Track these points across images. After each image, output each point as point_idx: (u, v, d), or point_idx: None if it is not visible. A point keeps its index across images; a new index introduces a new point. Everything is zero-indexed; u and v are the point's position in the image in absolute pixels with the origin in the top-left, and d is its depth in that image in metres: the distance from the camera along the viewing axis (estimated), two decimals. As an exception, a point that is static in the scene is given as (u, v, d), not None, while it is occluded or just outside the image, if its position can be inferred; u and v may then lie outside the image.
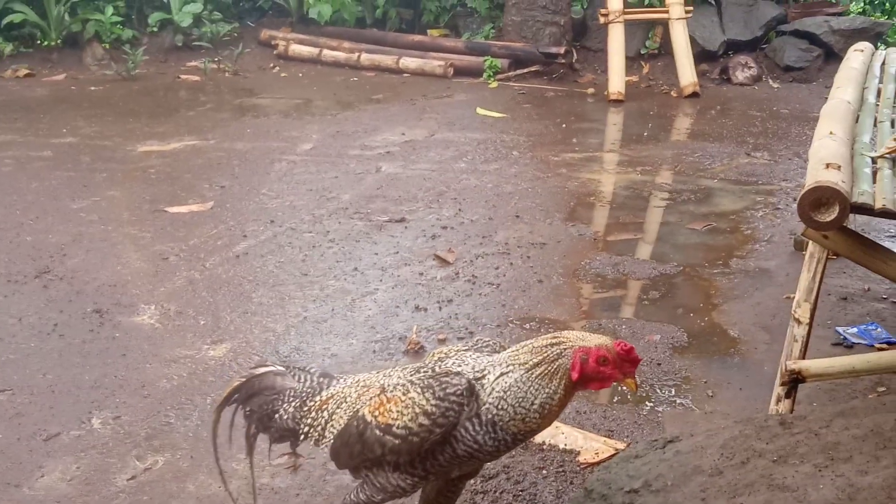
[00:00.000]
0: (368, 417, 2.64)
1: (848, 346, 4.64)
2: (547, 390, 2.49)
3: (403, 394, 2.59)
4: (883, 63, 5.28)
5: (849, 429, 2.78)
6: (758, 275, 5.56)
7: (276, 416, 2.89)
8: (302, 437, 2.86)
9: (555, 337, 2.58)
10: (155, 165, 7.74)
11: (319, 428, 2.80)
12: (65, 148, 8.25)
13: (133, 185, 7.19)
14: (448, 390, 2.53)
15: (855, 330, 4.80)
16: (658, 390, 4.28)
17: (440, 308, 5.09)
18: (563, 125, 9.17)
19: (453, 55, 11.42)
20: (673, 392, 4.27)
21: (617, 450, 3.67)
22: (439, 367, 2.64)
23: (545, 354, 2.52)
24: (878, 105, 4.42)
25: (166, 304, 5.14)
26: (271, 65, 12.14)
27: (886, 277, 3.42)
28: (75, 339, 4.72)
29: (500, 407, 2.51)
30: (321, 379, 2.93)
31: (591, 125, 9.34)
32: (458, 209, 6.61)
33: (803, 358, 3.42)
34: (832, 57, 10.91)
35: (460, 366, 2.63)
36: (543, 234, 6.16)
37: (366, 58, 11.72)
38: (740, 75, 10.92)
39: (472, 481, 3.67)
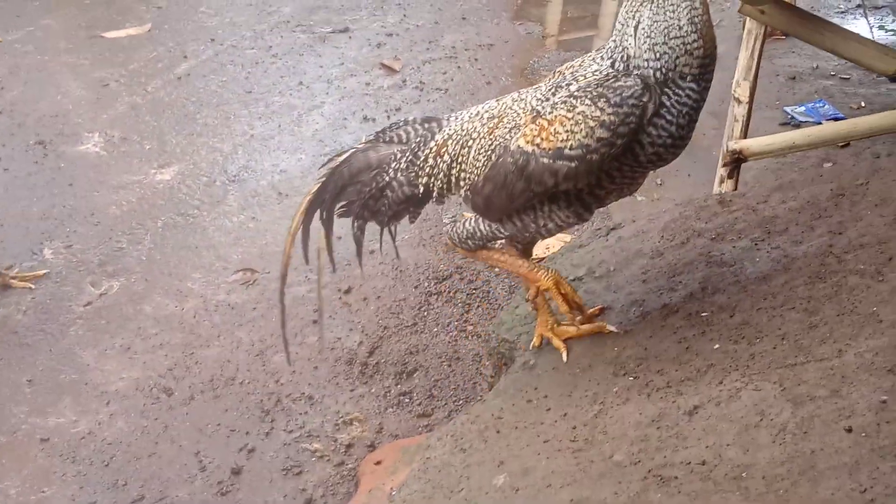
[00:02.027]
0: (529, 147, 2.23)
1: (796, 125, 4.64)
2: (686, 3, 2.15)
3: (569, 110, 2.19)
4: None
5: (785, 202, 2.81)
6: (707, 61, 5.50)
7: (387, 189, 2.51)
8: (423, 194, 2.49)
9: None
10: (88, -10, 7.45)
11: (443, 176, 2.43)
12: (-8, -22, 7.91)
13: (68, 11, 6.92)
14: (625, 94, 2.15)
15: (803, 108, 4.80)
16: (608, 182, 4.30)
17: (388, 117, 5.03)
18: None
19: None
20: (623, 183, 4.29)
21: (566, 243, 3.71)
22: (583, 76, 2.25)
23: None
24: None
25: (110, 130, 5.04)
26: None
27: (824, 49, 3.38)
28: (20, 171, 4.65)
29: (658, 54, 2.17)
30: (427, 125, 2.52)
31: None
32: (404, 15, 6.44)
33: (745, 138, 3.42)
34: None
35: (599, 63, 2.26)
36: (491, 35, 6.04)
37: None
38: None
39: (425, 282, 3.73)
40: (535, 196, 2.28)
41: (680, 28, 2.16)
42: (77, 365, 3.44)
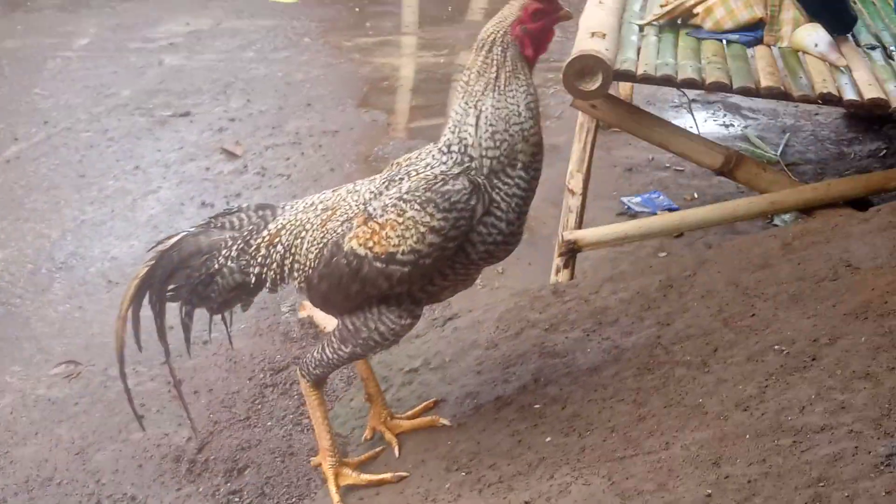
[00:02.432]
0: (361, 251, 2.25)
1: (632, 215, 4.75)
2: (521, 87, 2.23)
3: (398, 215, 2.22)
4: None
5: (617, 293, 2.85)
6: (548, 151, 5.54)
7: (217, 276, 2.48)
8: (255, 283, 2.46)
9: (482, 41, 2.26)
10: (-87, 68, 7.13)
11: (276, 266, 2.42)
12: None
13: None
14: (452, 198, 2.18)
15: (639, 199, 4.91)
16: (449, 270, 4.29)
17: (228, 202, 4.91)
18: (357, 9, 8.93)
19: (241, -60, 10.91)
20: (463, 271, 4.29)
21: (404, 332, 3.66)
22: (416, 171, 2.29)
23: (491, 60, 2.23)
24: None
25: (-72, 214, 4.77)
26: (45, -45, 11.31)
27: (655, 144, 3.49)
28: None
29: (498, 142, 2.22)
30: (261, 213, 2.51)
31: (386, 8, 9.11)
32: (247, 100, 6.37)
33: (579, 228, 3.47)
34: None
35: (434, 157, 2.30)
36: (336, 122, 6.02)
37: (148, -55, 11.05)
38: (533, -46, 10.90)
39: (260, 374, 3.62)
40: (370, 297, 2.31)
41: (519, 115, 2.22)
42: None
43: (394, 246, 2.21)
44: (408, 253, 2.20)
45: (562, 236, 3.45)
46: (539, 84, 6.61)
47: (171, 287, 2.53)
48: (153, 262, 2.51)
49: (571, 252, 3.44)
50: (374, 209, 2.28)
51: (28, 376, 3.60)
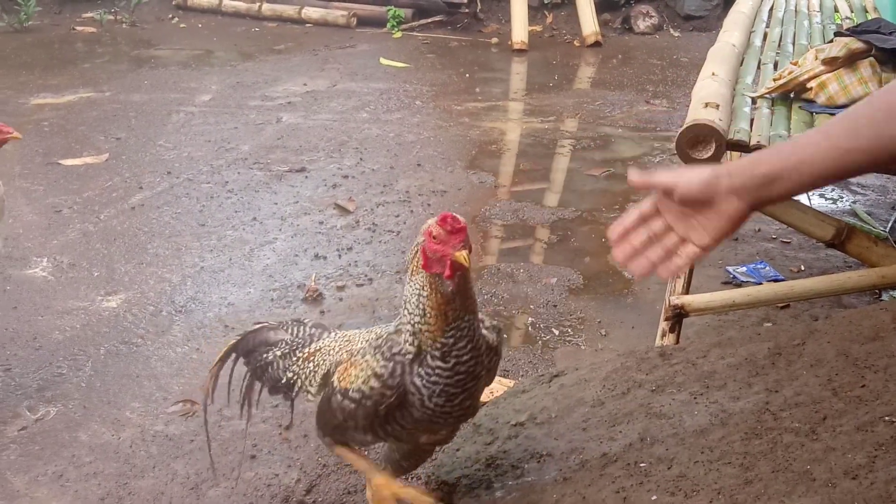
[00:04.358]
0: (336, 383, 2.49)
1: (737, 285, 4.77)
2: (416, 286, 2.31)
3: (362, 356, 2.44)
4: (771, 8, 5.40)
5: (724, 358, 2.87)
6: (653, 218, 5.65)
7: (270, 367, 2.78)
8: (289, 387, 2.74)
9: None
10: (48, 118, 7.54)
11: (306, 379, 2.68)
12: (-47, 101, 7.99)
13: (26, 138, 6.95)
14: (395, 349, 2.36)
15: (744, 269, 4.93)
16: (553, 331, 4.36)
17: (340, 256, 5.09)
18: (467, 75, 9.17)
19: (356, 4, 11.29)
20: (568, 332, 4.36)
21: (508, 388, 3.73)
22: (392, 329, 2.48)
23: (414, 255, 2.33)
24: (763, 48, 4.52)
25: (59, 256, 5.04)
26: (170, 15, 11.85)
27: (766, 215, 3.52)
28: (-36, 293, 4.61)
29: (411, 324, 2.34)
30: (313, 330, 2.79)
31: (495, 74, 9.35)
32: (360, 158, 6.59)
33: (687, 294, 3.51)
34: (731, 4, 11.07)
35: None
36: (444, 182, 6.18)
37: (267, 7, 11.52)
38: (642, 24, 11.03)
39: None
40: (334, 427, 2.58)
41: (416, 306, 2.32)
42: (7, 491, 3.35)
43: (349, 383, 2.44)
44: (356, 391, 2.41)
45: (669, 300, 3.49)
46: (645, 153, 6.73)
47: (245, 361, 2.87)
48: (239, 338, 2.88)
49: (678, 317, 3.48)
50: (358, 349, 2.52)
51: (147, 412, 3.77)
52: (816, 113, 3.56)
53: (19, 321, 4.39)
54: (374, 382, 2.36)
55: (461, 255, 2.22)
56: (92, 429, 3.67)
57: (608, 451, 2.58)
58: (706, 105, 3.19)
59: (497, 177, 6.42)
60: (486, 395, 3.74)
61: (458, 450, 2.97)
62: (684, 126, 3.05)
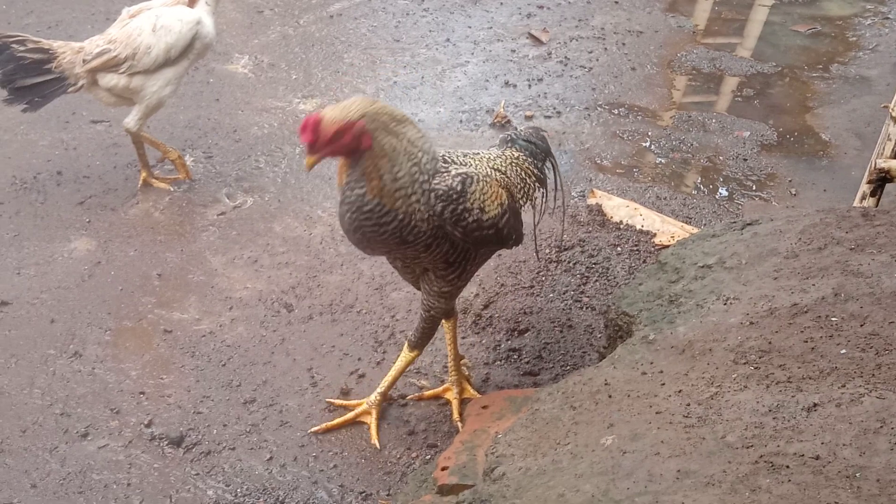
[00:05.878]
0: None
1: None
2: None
3: None
4: None
5: (932, 226, 2.78)
6: (857, 82, 5.40)
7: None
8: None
9: None
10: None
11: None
12: None
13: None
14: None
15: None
16: (742, 184, 4.28)
17: (529, 86, 5.07)
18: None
19: None
20: (755, 187, 4.27)
21: (691, 233, 3.71)
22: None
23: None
24: None
25: (259, 55, 5.19)
26: None
27: None
28: (171, 81, 4.81)
29: None
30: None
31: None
32: (557, -10, 6.45)
33: (895, 158, 3.38)
34: None
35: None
36: (641, 23, 6.01)
37: None
38: None
39: (546, 249, 3.77)
40: None
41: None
42: (205, 268, 3.58)
43: None
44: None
45: (874, 163, 3.37)
46: (856, 13, 6.35)
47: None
48: (539, 135, 3.28)
49: (882, 181, 3.35)
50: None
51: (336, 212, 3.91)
52: None
53: (221, 113, 4.58)
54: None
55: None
56: (285, 222, 3.85)
57: (799, 301, 2.57)
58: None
59: (696, 22, 6.19)
60: (668, 239, 3.75)
61: (640, 284, 3.00)
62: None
